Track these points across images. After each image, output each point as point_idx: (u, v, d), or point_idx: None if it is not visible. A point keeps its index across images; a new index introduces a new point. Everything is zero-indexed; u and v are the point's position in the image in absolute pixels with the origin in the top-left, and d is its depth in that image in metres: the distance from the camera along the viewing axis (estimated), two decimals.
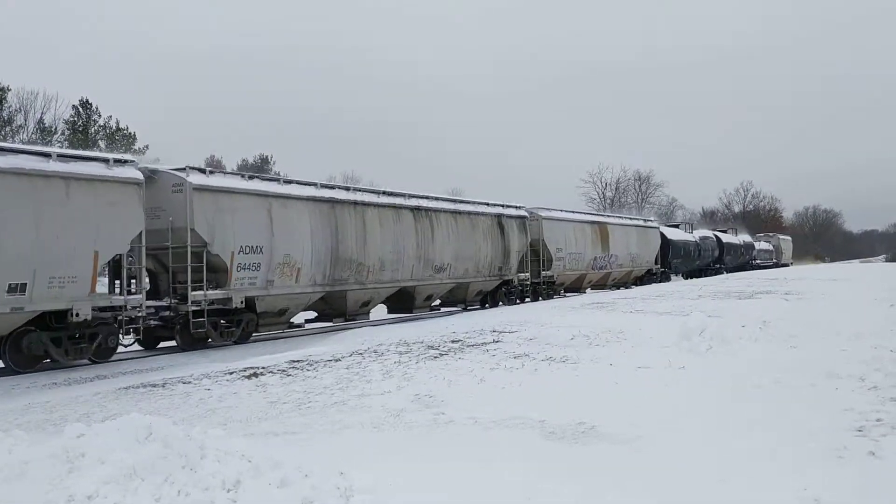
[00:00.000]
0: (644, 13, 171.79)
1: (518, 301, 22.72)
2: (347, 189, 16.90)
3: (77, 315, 10.72)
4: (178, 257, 12.67)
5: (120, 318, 11.57)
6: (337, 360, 9.96)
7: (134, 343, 12.85)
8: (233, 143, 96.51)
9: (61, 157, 10.91)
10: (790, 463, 4.92)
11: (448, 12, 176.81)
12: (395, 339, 12.01)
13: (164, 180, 12.77)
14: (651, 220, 35.92)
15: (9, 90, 38.93)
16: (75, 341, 11.06)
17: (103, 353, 11.54)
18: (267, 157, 62.96)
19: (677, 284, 30.01)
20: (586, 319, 13.61)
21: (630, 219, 34.34)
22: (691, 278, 37.42)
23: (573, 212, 28.32)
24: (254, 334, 14.43)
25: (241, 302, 13.49)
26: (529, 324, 13.19)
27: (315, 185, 15.69)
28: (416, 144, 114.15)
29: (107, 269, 11.84)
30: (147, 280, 13.05)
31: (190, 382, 8.71)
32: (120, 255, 11.52)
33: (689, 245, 39.57)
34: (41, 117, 41.21)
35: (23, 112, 40.27)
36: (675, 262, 36.97)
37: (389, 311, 18.93)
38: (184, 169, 12.92)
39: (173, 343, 13.40)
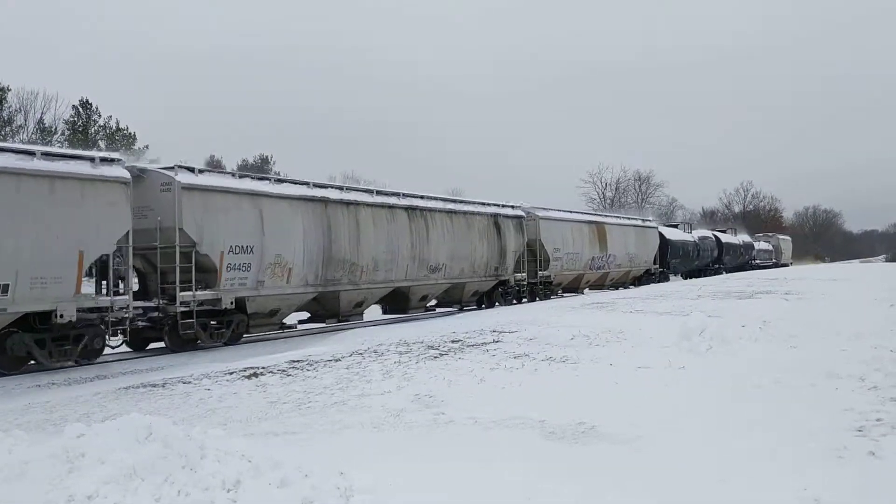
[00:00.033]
0: (644, 13, 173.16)
1: (515, 301, 22.84)
2: (340, 188, 16.94)
3: (61, 316, 10.72)
4: (167, 257, 12.71)
5: (106, 319, 11.59)
6: (337, 360, 10.06)
7: (122, 345, 12.88)
8: (233, 143, 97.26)
9: (45, 155, 10.91)
10: (790, 463, 5.01)
11: (448, 12, 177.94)
12: (395, 339, 12.12)
13: (153, 179, 12.81)
14: (649, 220, 36.15)
15: (9, 90, 39.48)
16: (60, 343, 11.07)
17: (89, 355, 11.54)
18: (267, 157, 63.61)
19: (677, 284, 30.23)
20: (586, 319, 13.74)
21: (628, 219, 34.55)
22: (690, 278, 37.68)
23: (570, 211, 28.49)
24: (245, 335, 14.49)
25: (231, 303, 13.54)
26: (529, 324, 13.32)
27: (307, 184, 15.76)
28: (416, 144, 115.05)
29: (93, 269, 11.87)
30: (136, 281, 13.10)
31: (190, 382, 8.80)
32: (106, 255, 11.52)
33: (688, 245, 39.83)
34: (41, 117, 41.88)
35: (23, 112, 40.92)
36: (673, 262, 37.22)
37: (384, 312, 19.00)
38: (172, 168, 12.95)
39: (162, 344, 13.45)
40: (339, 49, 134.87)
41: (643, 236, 33.02)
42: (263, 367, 9.61)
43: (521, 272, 23.03)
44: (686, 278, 38.84)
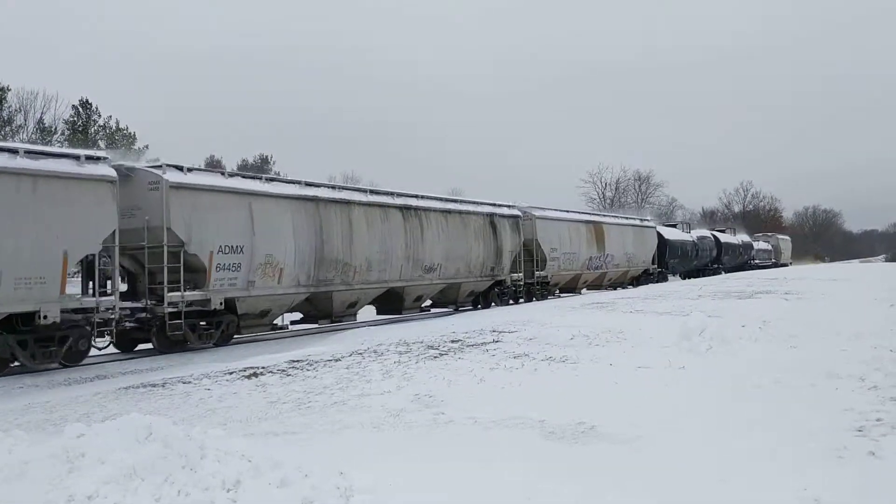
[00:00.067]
0: (644, 13, 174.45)
1: (511, 302, 22.97)
2: (332, 187, 17.02)
3: (45, 317, 10.73)
4: (155, 257, 12.75)
5: (92, 320, 11.60)
6: (337, 360, 10.16)
7: (109, 346, 12.92)
8: (233, 143, 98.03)
9: (29, 153, 10.93)
10: (790, 463, 5.10)
11: (448, 12, 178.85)
12: (394, 338, 12.22)
13: (140, 178, 12.84)
14: (647, 220, 36.38)
15: (9, 90, 39.84)
16: (44, 344, 11.09)
17: (74, 357, 11.56)
18: (267, 157, 64.12)
19: (676, 284, 30.45)
20: (586, 319, 13.86)
21: (626, 218, 34.76)
22: (689, 279, 37.95)
23: (568, 211, 28.64)
24: (235, 336, 14.55)
25: (221, 303, 13.59)
26: (529, 324, 13.43)
27: (299, 183, 15.83)
28: (415, 144, 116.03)
29: (80, 269, 11.90)
30: (125, 281, 13.14)
31: (190, 382, 8.88)
32: (92, 255, 11.54)
33: (687, 245, 40.10)
34: (41, 117, 42.28)
35: (23, 112, 41.32)
36: (672, 262, 37.47)
37: (378, 313, 19.08)
38: (160, 166, 12.98)
39: (150, 346, 13.50)
40: (339, 49, 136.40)
41: (641, 236, 33.24)
42: (263, 367, 9.70)
43: (517, 272, 23.16)
44: (684, 278, 39.10)
